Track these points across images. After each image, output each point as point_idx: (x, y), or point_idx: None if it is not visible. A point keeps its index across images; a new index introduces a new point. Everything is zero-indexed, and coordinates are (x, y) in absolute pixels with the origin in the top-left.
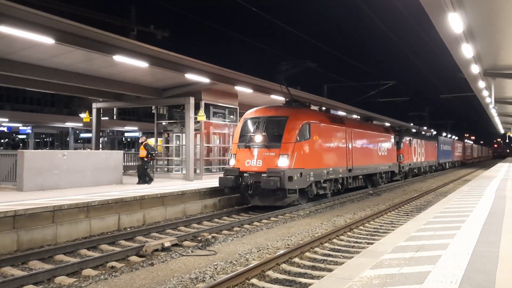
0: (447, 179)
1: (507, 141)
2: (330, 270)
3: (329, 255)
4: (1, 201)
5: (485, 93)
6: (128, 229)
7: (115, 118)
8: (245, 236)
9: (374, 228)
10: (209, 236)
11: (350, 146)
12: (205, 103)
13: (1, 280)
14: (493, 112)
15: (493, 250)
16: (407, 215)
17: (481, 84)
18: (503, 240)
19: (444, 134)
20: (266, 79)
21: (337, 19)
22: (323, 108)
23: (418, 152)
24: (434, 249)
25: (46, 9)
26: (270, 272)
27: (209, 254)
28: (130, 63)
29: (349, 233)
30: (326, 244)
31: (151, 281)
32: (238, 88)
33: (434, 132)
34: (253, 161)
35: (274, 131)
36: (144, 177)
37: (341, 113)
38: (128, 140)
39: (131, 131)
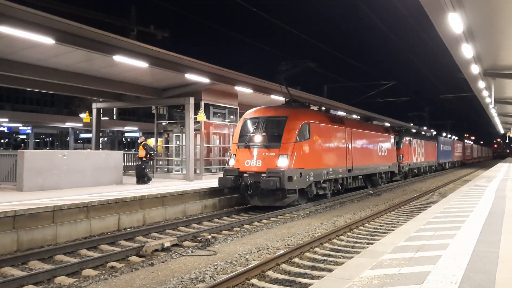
0: (447, 179)
1: (507, 141)
2: (330, 270)
3: (329, 255)
4: (1, 201)
5: (485, 93)
6: (128, 229)
7: (115, 118)
8: (245, 236)
9: (374, 228)
10: (209, 236)
11: (350, 146)
12: (205, 103)
13: (1, 280)
14: (493, 112)
15: (493, 250)
16: (407, 215)
17: (481, 84)
18: (503, 240)
19: (444, 134)
20: (266, 79)
21: (337, 19)
22: (323, 108)
23: (418, 152)
24: (434, 249)
25: (46, 9)
26: (270, 272)
27: (209, 254)
28: (130, 63)
29: (349, 233)
30: (326, 244)
31: (151, 281)
32: (238, 88)
33: (434, 132)
34: (252, 161)
35: (274, 131)
36: (143, 177)
37: (341, 113)
38: (128, 140)
39: (131, 131)
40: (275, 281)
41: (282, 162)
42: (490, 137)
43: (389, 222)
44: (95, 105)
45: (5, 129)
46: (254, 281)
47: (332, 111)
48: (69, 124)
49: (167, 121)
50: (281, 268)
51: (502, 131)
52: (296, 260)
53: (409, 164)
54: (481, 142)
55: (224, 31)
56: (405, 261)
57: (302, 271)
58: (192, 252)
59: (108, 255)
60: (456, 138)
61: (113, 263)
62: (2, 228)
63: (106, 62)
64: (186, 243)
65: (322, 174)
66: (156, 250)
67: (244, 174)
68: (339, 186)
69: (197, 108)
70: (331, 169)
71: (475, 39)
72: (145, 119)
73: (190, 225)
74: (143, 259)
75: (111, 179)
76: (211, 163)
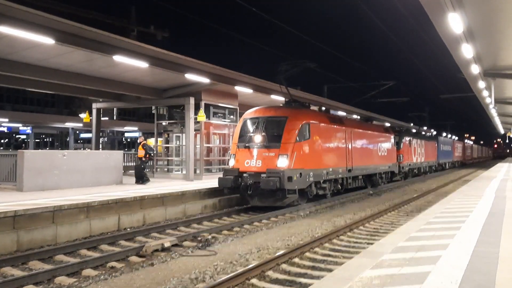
0: (447, 179)
1: (507, 141)
2: (330, 270)
3: (329, 255)
4: (1, 201)
5: (485, 93)
6: (128, 229)
7: (115, 118)
8: (245, 236)
9: (374, 228)
10: (209, 237)
11: (349, 147)
12: (205, 104)
13: (1, 280)
14: (493, 112)
15: (493, 250)
16: (407, 216)
17: (481, 84)
18: (503, 241)
19: (444, 134)
20: (266, 79)
21: (337, 19)
22: (323, 108)
23: (418, 152)
24: (434, 250)
25: (46, 10)
26: (270, 272)
27: (209, 255)
28: (130, 64)
29: (349, 234)
30: (326, 245)
31: (151, 281)
32: (238, 88)
33: (434, 132)
34: (252, 161)
35: (274, 131)
36: (142, 177)
37: (341, 113)
38: (128, 140)
39: (131, 131)
40: (275, 281)
41: (282, 162)
42: (490, 137)
43: (389, 222)
44: (95, 105)
45: (5, 129)
46: (254, 281)
47: (332, 111)
48: (69, 124)
49: (167, 121)
50: (281, 268)
51: (502, 131)
52: (296, 260)
53: (409, 164)
54: (481, 142)
55: (224, 31)
56: (405, 261)
57: (302, 271)
58: (192, 252)
59: (108, 255)
60: (456, 138)
61: (113, 263)
62: (2, 228)
63: (106, 62)
64: (186, 243)
65: (322, 174)
66: (156, 250)
67: (244, 174)
68: (339, 186)
69: (197, 108)
70: (331, 169)
71: (475, 39)
72: (145, 119)
73: (190, 225)
74: (143, 259)
75: (111, 179)
76: (211, 163)
